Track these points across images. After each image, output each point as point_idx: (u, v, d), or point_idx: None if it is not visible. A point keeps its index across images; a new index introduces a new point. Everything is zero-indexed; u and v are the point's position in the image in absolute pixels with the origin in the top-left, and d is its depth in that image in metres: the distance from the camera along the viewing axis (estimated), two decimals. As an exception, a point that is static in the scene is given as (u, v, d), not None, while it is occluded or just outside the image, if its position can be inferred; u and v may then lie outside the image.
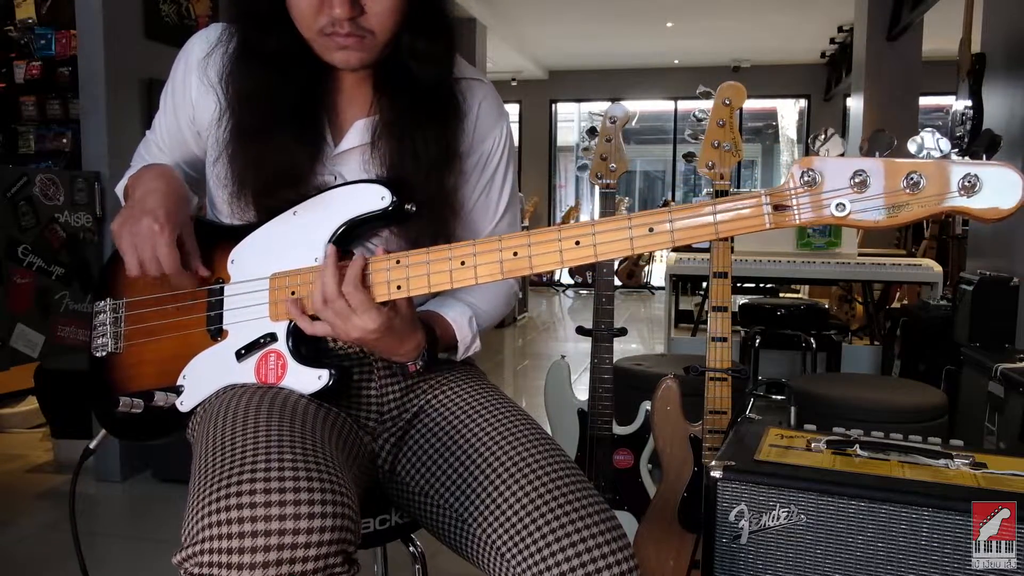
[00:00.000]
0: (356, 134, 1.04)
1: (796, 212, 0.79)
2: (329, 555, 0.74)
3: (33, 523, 2.54)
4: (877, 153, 0.77)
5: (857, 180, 0.77)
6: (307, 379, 0.98)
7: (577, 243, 0.87)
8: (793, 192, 0.79)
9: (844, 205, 0.77)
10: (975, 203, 0.75)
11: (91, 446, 1.22)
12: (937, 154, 0.76)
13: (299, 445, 0.81)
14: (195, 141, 1.12)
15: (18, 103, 3.63)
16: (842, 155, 0.79)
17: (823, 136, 0.80)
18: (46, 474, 3.03)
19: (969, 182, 0.74)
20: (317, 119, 1.04)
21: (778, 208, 0.80)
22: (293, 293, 0.99)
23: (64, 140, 3.60)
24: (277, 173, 0.99)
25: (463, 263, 0.91)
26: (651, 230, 0.84)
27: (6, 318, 2.40)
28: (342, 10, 0.90)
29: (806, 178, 0.79)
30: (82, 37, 2.80)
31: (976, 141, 0.77)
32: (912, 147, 0.77)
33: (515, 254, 0.89)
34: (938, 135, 0.76)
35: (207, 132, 1.08)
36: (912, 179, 0.75)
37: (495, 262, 0.90)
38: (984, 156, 0.75)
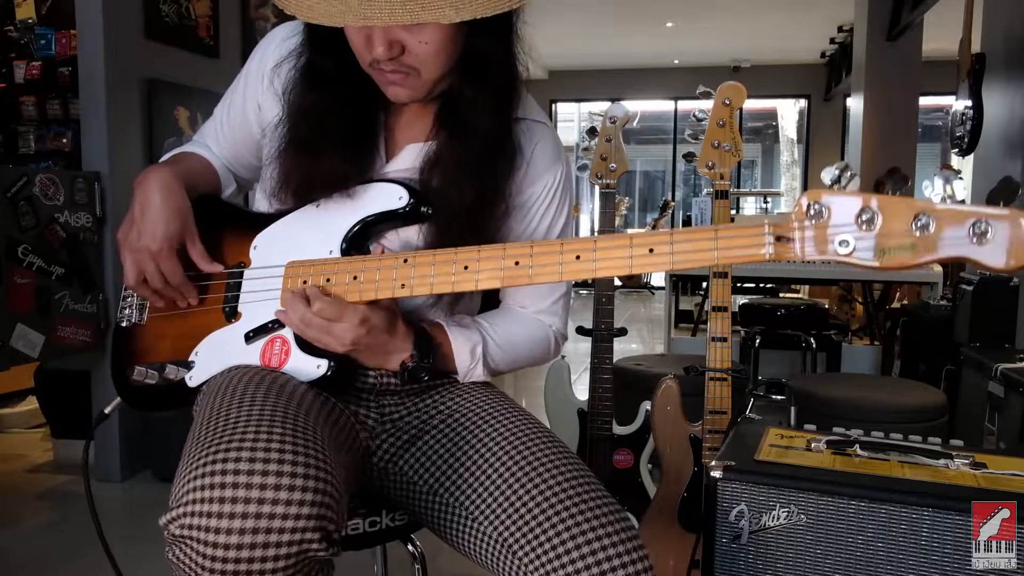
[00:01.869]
0: (407, 156, 1.07)
1: (798, 245, 0.77)
2: (307, 530, 0.75)
3: (33, 523, 2.53)
4: (889, 191, 0.76)
5: (864, 218, 0.73)
6: (308, 367, 1.00)
7: (578, 257, 0.88)
8: (797, 225, 0.77)
9: (848, 242, 0.74)
10: (986, 252, 0.70)
11: (106, 411, 1.25)
12: (950, 198, 0.74)
13: (290, 421, 0.82)
14: (259, 130, 1.15)
15: (18, 103, 3.63)
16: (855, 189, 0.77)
17: (837, 170, 0.79)
18: (46, 474, 3.02)
19: (980, 229, 0.70)
20: (371, 137, 1.07)
21: (781, 239, 0.78)
22: (305, 282, 1.01)
23: (64, 140, 3.60)
24: (321, 184, 1.03)
25: (466, 267, 0.93)
26: (651, 251, 0.85)
27: (6, 318, 2.39)
28: (382, 50, 0.92)
29: (812, 211, 0.76)
30: (82, 37, 2.80)
31: (994, 191, 0.76)
32: (928, 189, 0.75)
33: (516, 263, 0.90)
34: (952, 177, 0.74)
35: (267, 128, 1.11)
36: (921, 221, 0.71)
37: (496, 269, 0.91)
38: (1001, 203, 0.72)
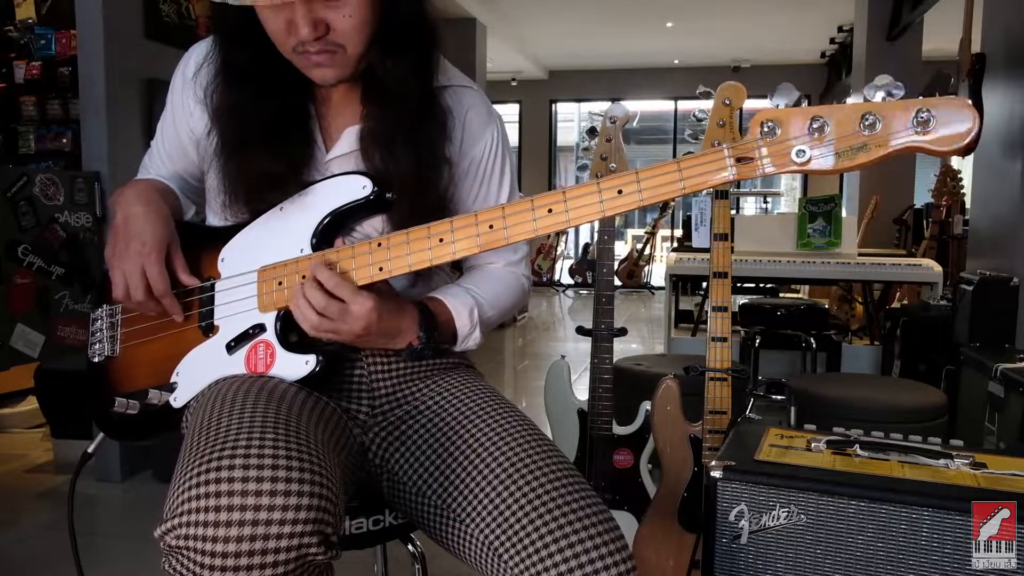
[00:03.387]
0: (347, 141, 1.07)
1: (759, 163, 0.82)
2: (304, 534, 0.75)
3: (33, 523, 2.54)
4: (834, 101, 0.79)
5: (815, 126, 0.80)
6: (295, 365, 0.99)
7: (550, 211, 0.89)
8: (754, 145, 0.82)
9: (804, 151, 0.80)
10: (931, 138, 0.77)
11: (89, 450, 1.23)
12: (893, 98, 0.79)
13: (282, 426, 0.82)
14: (194, 149, 1.15)
15: (18, 103, 3.64)
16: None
17: (788, 100, 0.83)
18: (46, 474, 3.03)
19: (922, 118, 0.76)
20: (305, 129, 1.06)
21: (741, 160, 0.83)
22: (280, 283, 1.01)
23: (64, 140, 3.60)
24: (262, 182, 1.02)
25: (441, 240, 0.94)
26: (620, 192, 0.87)
27: (6, 318, 2.40)
28: (307, 31, 0.92)
29: (766, 128, 0.82)
30: (82, 37, 2.80)
31: (929, 85, 0.79)
32: (869, 93, 0.80)
33: (491, 227, 0.92)
34: (894, 81, 0.79)
35: (201, 142, 1.11)
36: (868, 120, 0.78)
37: (472, 236, 0.93)
38: (936, 94, 0.78)
